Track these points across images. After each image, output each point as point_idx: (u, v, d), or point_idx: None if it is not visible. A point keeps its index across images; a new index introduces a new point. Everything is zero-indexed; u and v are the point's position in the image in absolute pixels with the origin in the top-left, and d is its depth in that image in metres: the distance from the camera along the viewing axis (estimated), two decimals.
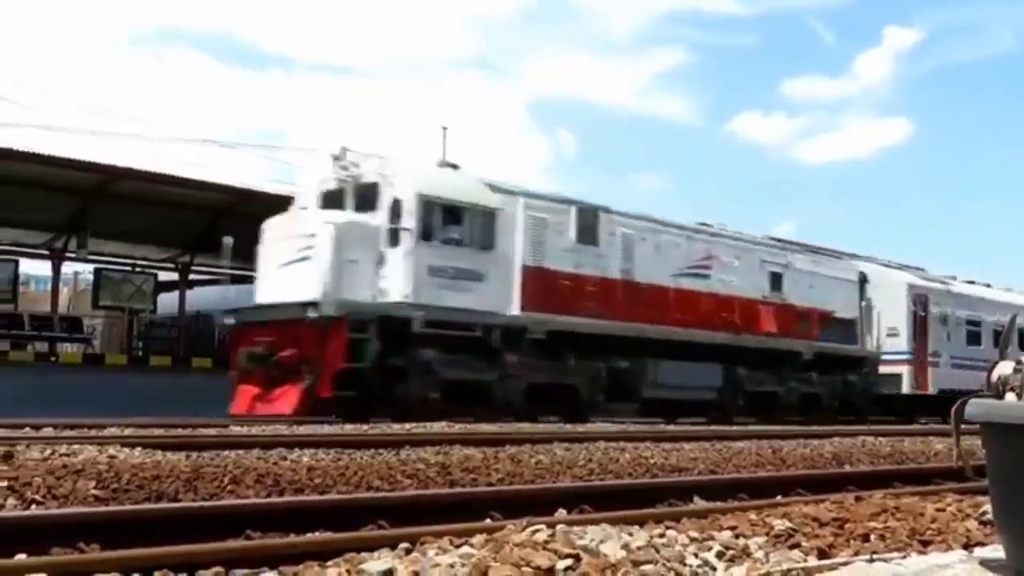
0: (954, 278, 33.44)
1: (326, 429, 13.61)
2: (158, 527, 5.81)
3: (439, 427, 14.90)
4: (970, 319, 31.22)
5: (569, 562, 4.09)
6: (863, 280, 28.24)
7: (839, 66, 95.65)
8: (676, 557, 4.66)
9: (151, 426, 12.65)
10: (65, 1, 66.97)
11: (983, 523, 6.30)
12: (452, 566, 3.85)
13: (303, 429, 13.33)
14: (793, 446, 13.89)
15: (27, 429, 11.01)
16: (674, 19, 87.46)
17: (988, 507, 6.14)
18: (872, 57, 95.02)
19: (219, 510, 6.58)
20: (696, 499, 8.42)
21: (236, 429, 12.88)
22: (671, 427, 17.97)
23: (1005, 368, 3.84)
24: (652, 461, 11.14)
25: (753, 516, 6.17)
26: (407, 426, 14.90)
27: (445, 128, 38.62)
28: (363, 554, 4.40)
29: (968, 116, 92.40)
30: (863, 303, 28.03)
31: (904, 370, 28.29)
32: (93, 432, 11.12)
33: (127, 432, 11.39)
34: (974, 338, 31.03)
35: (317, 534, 5.95)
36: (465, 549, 4.32)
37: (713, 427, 18.28)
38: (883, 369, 27.87)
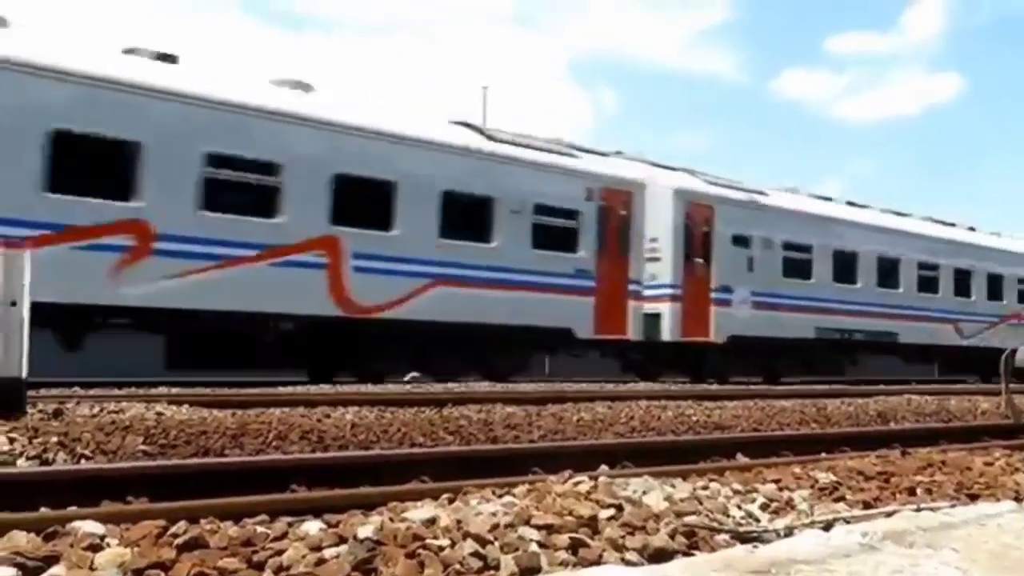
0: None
1: (369, 388, 13.71)
2: (205, 481, 5.89)
3: (482, 386, 14.96)
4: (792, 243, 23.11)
5: (612, 512, 4.09)
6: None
7: (887, 20, 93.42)
8: (719, 508, 4.64)
9: (198, 384, 12.79)
10: None
11: None
12: (495, 514, 3.86)
13: (346, 388, 13.43)
14: (837, 404, 13.78)
15: (76, 388, 11.18)
16: None
17: None
18: (921, 10, 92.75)
19: (264, 465, 6.66)
20: (739, 456, 8.40)
21: (281, 388, 13.00)
22: (713, 387, 17.89)
23: None
24: (695, 419, 11.11)
25: (797, 470, 6.14)
26: (450, 385, 14.97)
27: (485, 88, 38.62)
28: (406, 503, 4.43)
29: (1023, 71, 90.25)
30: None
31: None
32: (141, 391, 11.27)
33: (174, 391, 11.53)
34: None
35: (361, 488, 6.00)
36: (508, 499, 4.33)
37: (755, 386, 18.19)
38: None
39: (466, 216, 17.34)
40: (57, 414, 8.23)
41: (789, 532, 4.16)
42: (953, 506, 4.39)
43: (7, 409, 7.57)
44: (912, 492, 5.67)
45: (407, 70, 74.01)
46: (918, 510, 4.09)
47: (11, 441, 6.76)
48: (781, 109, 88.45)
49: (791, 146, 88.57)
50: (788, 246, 22.91)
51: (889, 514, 4.20)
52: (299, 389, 12.85)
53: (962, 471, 6.43)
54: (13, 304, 7.77)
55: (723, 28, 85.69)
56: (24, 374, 7.79)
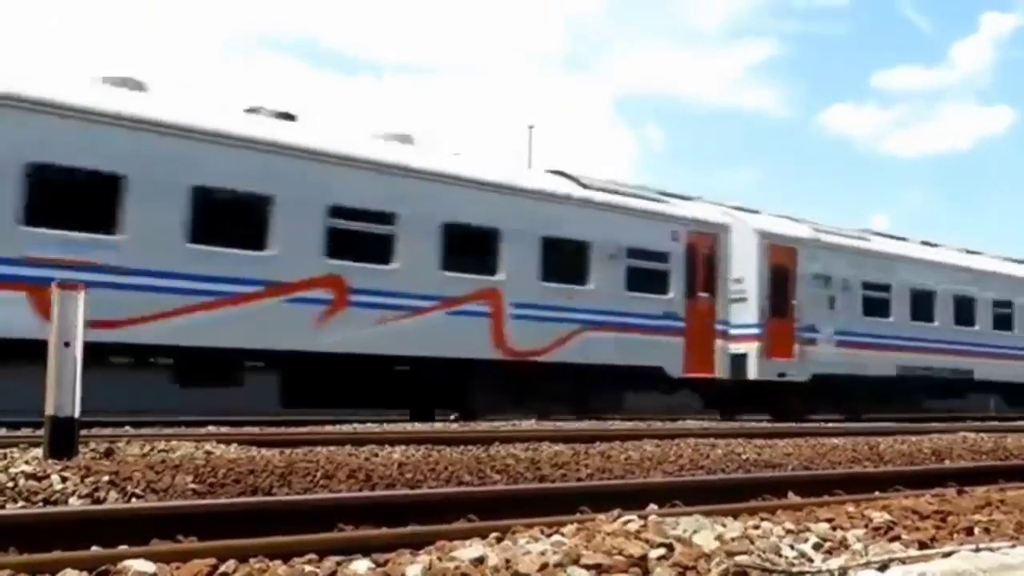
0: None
1: (416, 426, 13.72)
2: (253, 520, 5.91)
3: (528, 424, 14.91)
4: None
5: (662, 551, 4.04)
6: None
7: (935, 55, 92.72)
8: (771, 548, 4.56)
9: (246, 423, 12.88)
10: (163, 10, 69.02)
11: None
12: (543, 553, 3.82)
13: (393, 426, 13.45)
14: (890, 442, 13.55)
15: (127, 428, 11.30)
16: (764, 9, 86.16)
17: None
18: (970, 45, 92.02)
19: (312, 503, 6.67)
20: (791, 494, 8.27)
21: (328, 427, 13.05)
22: (762, 424, 17.69)
23: None
24: (744, 457, 10.98)
25: (851, 509, 6.03)
26: (496, 423, 14.94)
27: (531, 127, 38.88)
28: (454, 542, 4.41)
29: None
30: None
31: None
32: (190, 430, 11.36)
33: (223, 429, 11.62)
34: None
35: (409, 527, 5.98)
36: (556, 538, 4.29)
37: (805, 424, 17.96)
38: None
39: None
40: (108, 453, 8.32)
41: (844, 572, 4.07)
42: (1013, 546, 4.28)
43: (60, 448, 7.66)
44: (970, 532, 5.54)
45: (454, 111, 74.78)
46: (977, 550, 4.00)
47: (63, 480, 6.84)
48: (829, 144, 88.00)
49: (839, 181, 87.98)
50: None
51: (947, 554, 4.11)
52: (346, 428, 12.88)
53: (1022, 510, 6.28)
54: (67, 344, 7.88)
55: (769, 65, 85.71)
56: (77, 414, 7.87)
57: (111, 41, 66.17)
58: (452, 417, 16.47)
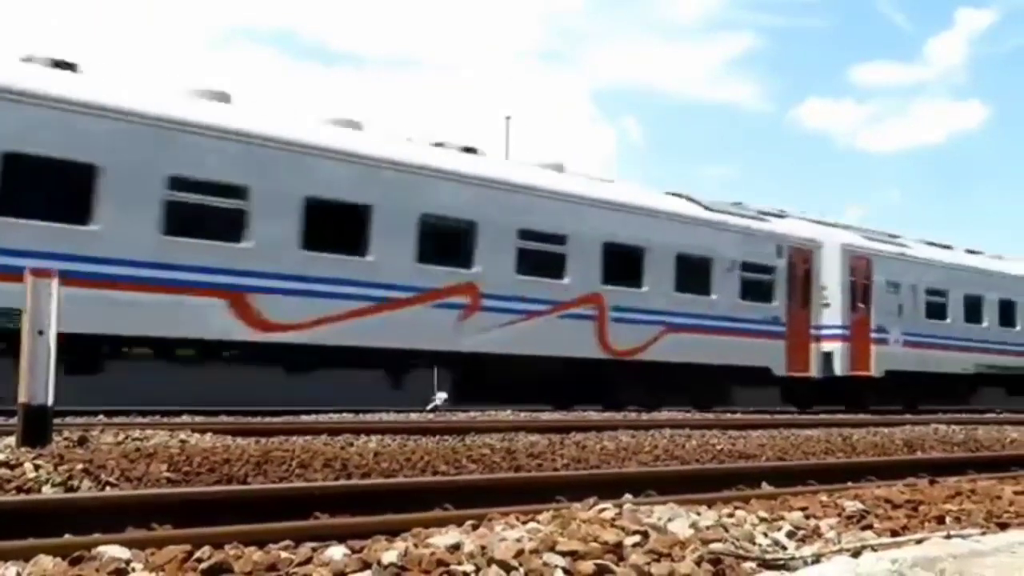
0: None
1: (391, 416, 13.70)
2: (228, 508, 5.89)
3: (505, 415, 14.92)
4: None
5: (637, 538, 4.06)
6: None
7: (910, 50, 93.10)
8: (746, 536, 4.60)
9: (221, 413, 12.82)
10: (142, 6, 68.59)
11: None
12: (519, 540, 3.84)
13: (369, 416, 13.42)
14: (863, 434, 13.67)
15: (100, 416, 11.23)
16: (741, 2, 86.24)
17: None
18: (945, 40, 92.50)
19: (288, 492, 6.65)
20: (764, 484, 8.33)
21: (304, 416, 13.01)
22: (737, 415, 17.80)
23: None
24: (719, 448, 11.04)
25: (824, 498, 6.09)
26: (472, 413, 14.95)
27: (508, 118, 38.75)
28: (430, 529, 4.41)
29: None
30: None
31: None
32: (165, 419, 11.30)
33: (198, 419, 11.56)
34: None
35: (385, 516, 5.97)
36: (532, 525, 4.31)
37: (780, 415, 18.07)
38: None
39: None
40: (82, 442, 8.26)
41: (817, 559, 4.11)
42: (983, 534, 4.33)
43: (33, 436, 7.61)
44: (941, 520, 5.61)
45: (432, 102, 74.65)
46: (948, 537, 4.04)
47: (36, 468, 6.78)
48: (805, 138, 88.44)
49: (815, 175, 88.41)
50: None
51: (918, 541, 4.15)
52: (322, 418, 12.85)
53: (992, 500, 6.36)
54: (40, 333, 7.81)
55: (747, 58, 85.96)
56: (50, 402, 7.81)
57: (110, 40, 65.61)
58: (428, 408, 16.46)
